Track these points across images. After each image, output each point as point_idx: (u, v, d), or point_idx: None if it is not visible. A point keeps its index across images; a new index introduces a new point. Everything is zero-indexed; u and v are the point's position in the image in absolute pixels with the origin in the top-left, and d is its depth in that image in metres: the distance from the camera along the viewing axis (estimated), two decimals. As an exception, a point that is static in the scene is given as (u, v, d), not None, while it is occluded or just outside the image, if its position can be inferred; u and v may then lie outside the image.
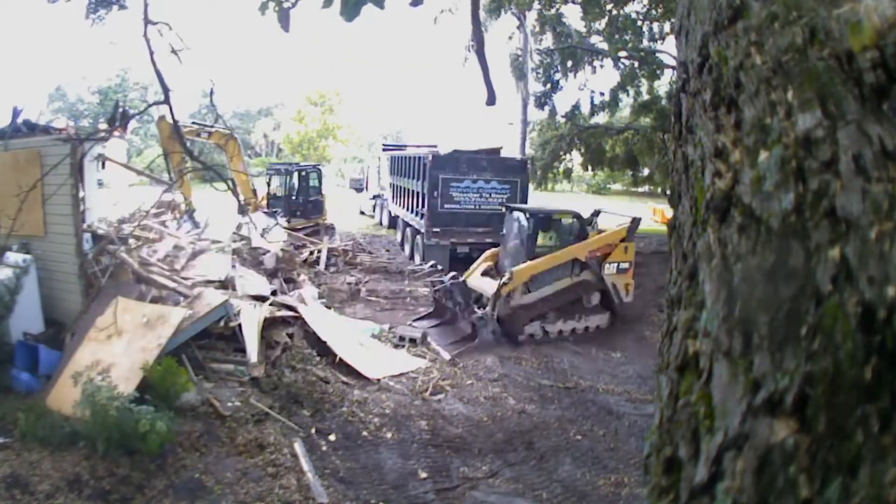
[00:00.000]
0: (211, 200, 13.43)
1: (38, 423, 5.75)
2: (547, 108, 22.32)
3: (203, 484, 5.56)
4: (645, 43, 20.24)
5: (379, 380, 8.12)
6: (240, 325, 7.61)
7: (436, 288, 11.70)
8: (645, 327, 11.37)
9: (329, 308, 10.66)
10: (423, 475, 6.12)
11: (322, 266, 15.22)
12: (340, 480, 5.93)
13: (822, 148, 0.61)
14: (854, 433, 0.51)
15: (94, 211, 8.59)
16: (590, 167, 28.98)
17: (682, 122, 0.94)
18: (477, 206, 15.49)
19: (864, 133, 0.59)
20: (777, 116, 0.67)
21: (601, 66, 21.70)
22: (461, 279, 11.01)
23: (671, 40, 18.49)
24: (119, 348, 6.59)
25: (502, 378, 8.70)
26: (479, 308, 10.31)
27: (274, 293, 9.36)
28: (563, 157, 24.99)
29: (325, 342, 8.40)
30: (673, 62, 17.13)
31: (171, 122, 7.44)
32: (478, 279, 10.96)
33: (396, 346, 9.52)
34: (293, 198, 19.08)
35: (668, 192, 1.09)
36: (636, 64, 21.20)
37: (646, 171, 27.91)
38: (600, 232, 11.27)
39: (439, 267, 14.56)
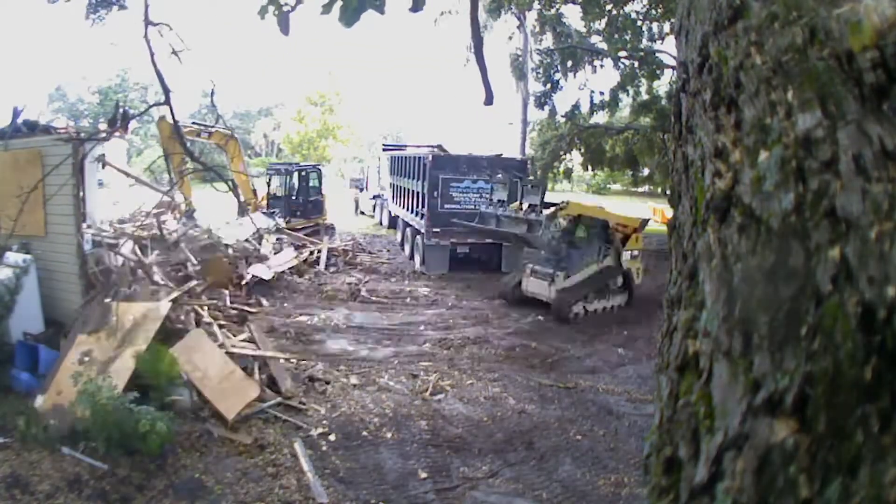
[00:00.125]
0: (211, 200, 13.44)
1: (37, 426, 5.75)
2: (547, 108, 22.34)
3: (203, 484, 5.57)
4: (645, 43, 20.26)
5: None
6: None
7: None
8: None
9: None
10: (423, 475, 6.12)
11: (322, 266, 15.22)
12: (340, 480, 5.93)
13: (822, 148, 0.61)
14: (854, 433, 0.51)
15: (95, 211, 8.59)
16: (590, 167, 29.00)
17: (682, 122, 0.94)
18: (477, 207, 15.48)
19: (864, 133, 0.59)
20: (777, 116, 0.67)
21: (601, 66, 21.71)
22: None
23: (671, 40, 18.50)
24: (111, 346, 6.63)
25: (502, 378, 8.70)
26: None
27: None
28: (563, 157, 25.00)
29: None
30: (673, 62, 17.12)
31: (172, 122, 7.44)
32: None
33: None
34: (293, 198, 19.08)
35: (668, 192, 1.09)
36: (636, 64, 21.21)
37: (646, 171, 27.93)
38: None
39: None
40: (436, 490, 5.89)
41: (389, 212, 21.62)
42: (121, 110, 9.69)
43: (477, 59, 4.53)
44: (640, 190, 39.69)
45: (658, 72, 20.94)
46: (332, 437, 6.69)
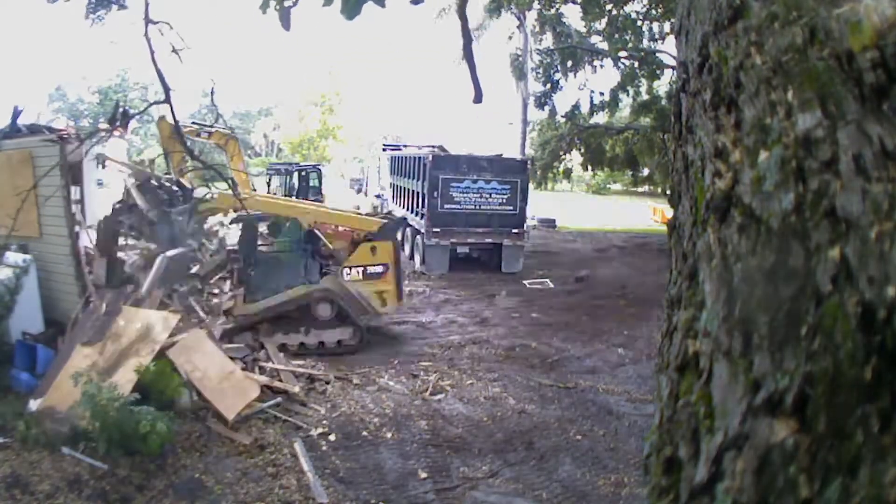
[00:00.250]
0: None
1: (37, 427, 5.75)
2: (547, 108, 22.34)
3: (203, 484, 5.57)
4: (645, 43, 20.26)
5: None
6: None
7: None
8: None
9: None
10: (423, 475, 6.12)
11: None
12: (340, 480, 5.93)
13: (822, 148, 0.61)
14: (854, 433, 0.51)
15: (94, 211, 8.58)
16: (590, 167, 29.01)
17: (682, 122, 0.94)
18: (477, 207, 15.49)
19: (864, 133, 0.58)
20: (777, 116, 0.67)
21: (601, 66, 21.72)
22: None
23: (671, 40, 18.50)
24: (113, 356, 6.58)
25: (502, 378, 8.70)
26: None
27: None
28: (563, 157, 25.01)
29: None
30: (673, 62, 17.12)
31: (172, 121, 7.44)
32: None
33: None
34: (293, 198, 19.09)
35: (668, 192, 1.09)
36: (636, 64, 21.21)
37: (646, 171, 27.94)
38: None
39: None
40: (436, 490, 5.89)
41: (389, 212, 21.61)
42: (120, 110, 9.68)
43: (466, 57, 4.54)
44: (640, 190, 39.69)
45: (658, 72, 20.94)
46: (332, 437, 6.69)
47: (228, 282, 9.46)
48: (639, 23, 19.23)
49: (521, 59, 23.15)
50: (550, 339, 10.71)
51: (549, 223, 25.90)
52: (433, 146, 20.74)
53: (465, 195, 15.41)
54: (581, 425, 7.39)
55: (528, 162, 18.14)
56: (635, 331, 11.40)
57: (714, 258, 0.72)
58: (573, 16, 21.45)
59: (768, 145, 0.67)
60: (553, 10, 20.45)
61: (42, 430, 5.75)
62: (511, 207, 15.70)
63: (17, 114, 9.03)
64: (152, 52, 5.60)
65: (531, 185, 19.22)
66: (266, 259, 9.66)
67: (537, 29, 21.88)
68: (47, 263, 8.08)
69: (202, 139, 16.70)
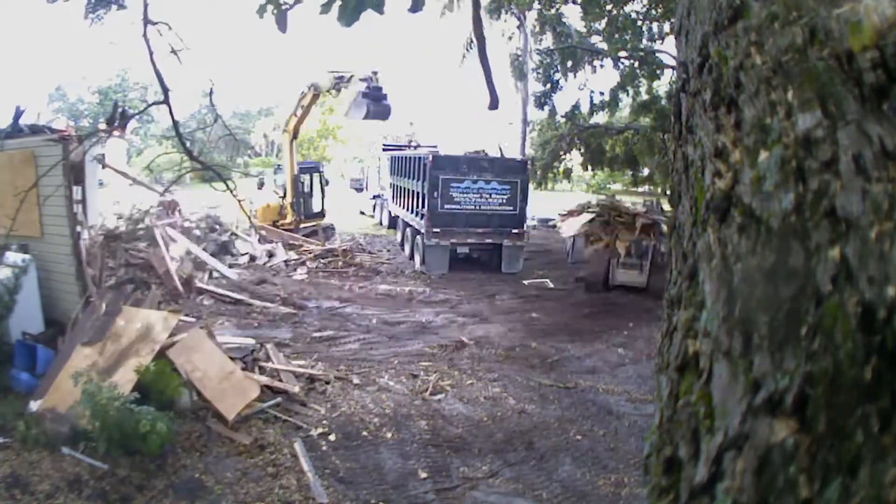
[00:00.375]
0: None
1: (37, 427, 5.75)
2: (547, 108, 22.30)
3: (203, 484, 5.57)
4: (645, 43, 20.23)
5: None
6: None
7: None
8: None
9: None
10: (423, 475, 6.12)
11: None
12: (340, 480, 5.93)
13: (822, 148, 0.61)
14: (854, 433, 0.51)
15: (95, 211, 8.59)
16: (590, 167, 28.98)
17: (682, 122, 0.94)
18: (477, 207, 15.49)
19: (864, 133, 0.58)
20: (777, 116, 0.67)
21: (601, 66, 21.67)
22: None
23: (671, 40, 18.48)
24: (113, 356, 6.58)
25: (502, 378, 8.70)
26: None
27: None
28: (563, 156, 24.99)
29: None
30: (673, 62, 17.12)
31: (172, 121, 7.43)
32: None
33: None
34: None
35: (668, 192, 1.09)
36: (636, 64, 21.19)
37: (646, 171, 27.92)
38: None
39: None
40: (436, 490, 5.89)
41: (389, 212, 21.62)
42: (120, 110, 9.68)
43: (481, 60, 4.46)
44: (639, 190, 39.66)
45: (658, 72, 20.90)
46: (332, 437, 6.69)
47: None
48: (639, 23, 19.20)
49: (521, 59, 23.14)
50: (550, 339, 10.71)
51: (550, 223, 25.90)
52: (432, 146, 20.75)
53: (465, 195, 15.40)
54: (581, 425, 7.39)
55: (529, 162, 18.14)
56: (635, 331, 11.40)
57: (714, 258, 0.72)
58: (573, 16, 21.44)
59: (768, 145, 0.67)
60: (553, 11, 20.43)
61: (42, 430, 5.75)
62: (511, 208, 15.70)
63: (18, 114, 9.03)
64: (151, 53, 5.60)
65: (531, 185, 19.21)
66: None
67: (537, 29, 21.86)
68: (48, 263, 8.08)
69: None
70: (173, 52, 5.80)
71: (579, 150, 25.30)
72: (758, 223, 0.66)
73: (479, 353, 9.76)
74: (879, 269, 0.53)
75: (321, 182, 19.83)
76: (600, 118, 24.68)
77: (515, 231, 15.85)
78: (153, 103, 7.90)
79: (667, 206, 12.88)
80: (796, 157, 0.63)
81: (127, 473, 5.45)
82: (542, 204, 25.19)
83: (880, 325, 0.52)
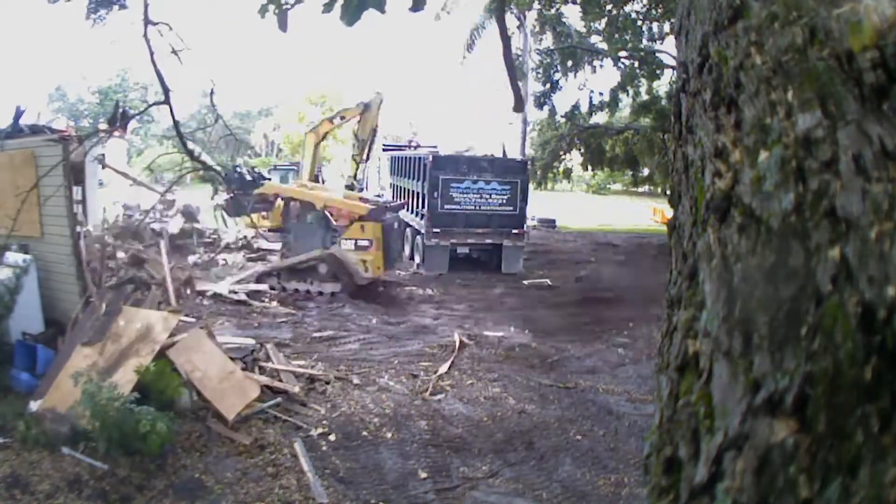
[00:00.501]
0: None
1: (37, 427, 5.76)
2: (547, 108, 22.31)
3: (203, 484, 5.57)
4: (645, 43, 20.23)
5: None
6: None
7: None
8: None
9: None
10: (423, 475, 6.12)
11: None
12: (340, 480, 5.93)
13: (822, 148, 0.61)
14: (854, 433, 0.51)
15: (95, 211, 8.59)
16: (590, 167, 29.00)
17: (682, 122, 0.94)
18: (477, 207, 15.49)
19: (864, 133, 0.58)
20: (777, 116, 0.67)
21: (601, 66, 21.69)
22: None
23: (671, 40, 18.49)
24: (113, 356, 6.58)
25: (502, 378, 8.70)
26: None
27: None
28: (563, 157, 25.00)
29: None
30: (673, 62, 17.13)
31: (172, 121, 7.45)
32: None
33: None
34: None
35: (668, 192, 1.09)
36: (636, 64, 21.20)
37: (646, 171, 27.94)
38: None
39: None
40: (436, 490, 5.89)
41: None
42: (120, 110, 9.69)
43: (505, 63, 4.40)
44: (640, 190, 39.67)
45: (658, 72, 20.91)
46: (332, 437, 6.69)
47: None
48: (639, 23, 19.20)
49: (521, 59, 23.13)
50: (550, 339, 10.71)
51: (549, 223, 25.92)
52: (431, 146, 20.75)
53: (465, 195, 15.41)
54: (581, 425, 7.39)
55: (529, 162, 18.15)
56: (635, 331, 11.41)
57: (714, 258, 0.72)
58: (573, 16, 21.44)
59: (768, 145, 0.67)
60: (553, 10, 20.42)
61: (42, 430, 5.75)
62: (511, 208, 15.71)
63: (19, 114, 9.04)
64: (151, 53, 5.61)
65: (531, 185, 19.22)
66: (300, 230, 13.24)
67: (537, 29, 21.87)
68: (48, 263, 8.08)
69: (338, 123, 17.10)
70: (174, 52, 5.81)
71: (579, 150, 25.32)
72: (758, 223, 0.66)
73: (479, 353, 9.76)
74: (879, 269, 0.53)
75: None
76: (600, 118, 24.70)
77: (515, 231, 15.86)
78: (154, 103, 7.91)
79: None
80: (796, 157, 0.63)
81: (127, 473, 5.45)
82: (543, 204, 25.22)
83: (880, 325, 0.52)
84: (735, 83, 0.76)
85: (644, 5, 18.77)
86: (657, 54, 20.79)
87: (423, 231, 15.54)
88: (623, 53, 20.52)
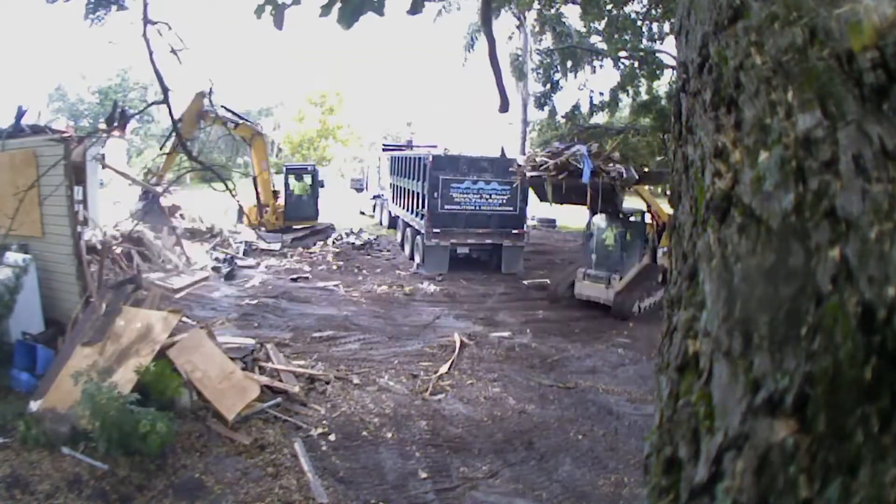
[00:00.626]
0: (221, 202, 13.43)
1: (37, 427, 5.75)
2: (547, 108, 22.29)
3: (203, 484, 5.57)
4: (645, 43, 20.22)
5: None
6: None
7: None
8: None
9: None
10: (423, 475, 6.12)
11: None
12: (340, 480, 5.93)
13: (822, 148, 0.61)
14: (854, 433, 0.51)
15: (96, 211, 8.59)
16: (590, 167, 28.93)
17: (682, 122, 0.94)
18: (477, 207, 15.48)
19: (864, 133, 0.58)
20: (777, 116, 0.67)
21: (601, 66, 21.68)
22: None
23: (671, 40, 18.48)
24: (113, 356, 6.58)
25: (502, 378, 8.70)
26: None
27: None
28: (563, 157, 24.95)
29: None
30: (673, 62, 17.12)
31: (171, 121, 7.45)
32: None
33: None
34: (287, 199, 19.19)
35: (668, 192, 1.09)
36: (636, 64, 21.18)
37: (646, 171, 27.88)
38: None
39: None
40: (436, 490, 5.89)
41: (389, 212, 21.62)
42: (119, 110, 9.69)
43: (491, 63, 4.41)
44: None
45: (658, 72, 20.87)
46: (332, 437, 6.69)
47: None
48: (639, 23, 19.19)
49: (521, 59, 23.16)
50: (550, 339, 10.71)
51: (550, 223, 25.91)
52: (431, 146, 20.74)
53: (465, 196, 15.40)
54: (581, 425, 7.39)
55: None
56: (635, 331, 11.40)
57: (714, 258, 0.72)
58: (573, 16, 21.43)
59: (768, 145, 0.67)
60: (553, 11, 20.42)
61: (42, 430, 5.74)
62: (511, 208, 15.70)
63: (20, 114, 9.04)
64: (151, 53, 5.61)
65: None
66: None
67: (537, 29, 21.86)
68: (49, 263, 8.08)
69: (229, 129, 16.49)
70: (173, 51, 5.80)
71: (579, 150, 25.28)
72: (758, 223, 0.65)
73: (479, 353, 9.76)
74: (879, 269, 0.53)
75: (314, 183, 19.86)
76: (600, 118, 24.66)
77: (515, 231, 15.85)
78: (153, 103, 7.91)
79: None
80: (796, 157, 0.63)
81: (127, 473, 5.45)
82: (542, 204, 25.16)
83: (880, 325, 0.52)
84: (735, 83, 0.76)
85: (644, 5, 18.76)
86: (657, 54, 20.77)
87: (423, 231, 15.53)
88: (623, 53, 20.50)
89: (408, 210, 17.48)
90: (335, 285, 13.87)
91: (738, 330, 0.63)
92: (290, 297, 12.57)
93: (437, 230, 15.23)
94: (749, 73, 0.73)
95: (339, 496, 5.66)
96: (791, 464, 0.54)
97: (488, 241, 15.77)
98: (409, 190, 17.27)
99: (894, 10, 0.60)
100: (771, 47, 0.71)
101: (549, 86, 21.59)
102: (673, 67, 17.65)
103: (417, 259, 16.21)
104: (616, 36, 19.12)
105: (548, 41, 21.91)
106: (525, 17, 21.84)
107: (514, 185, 14.87)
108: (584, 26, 20.60)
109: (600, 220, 13.19)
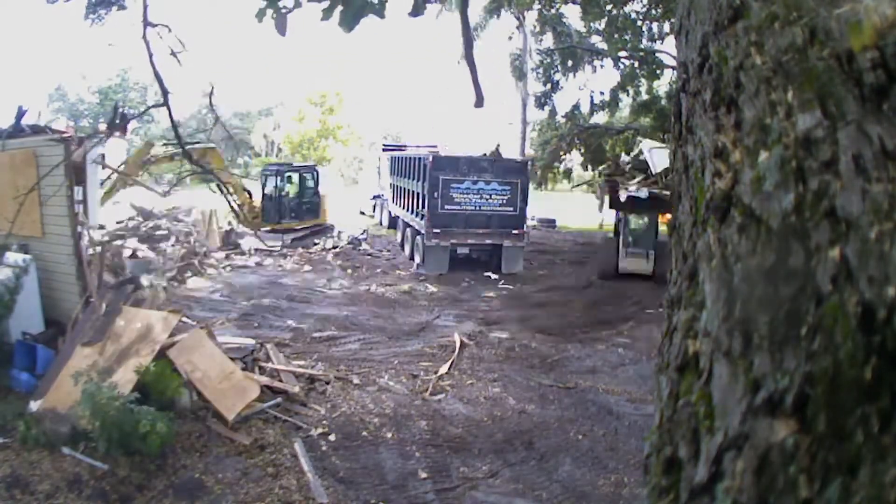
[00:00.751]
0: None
1: (37, 427, 5.76)
2: (547, 108, 22.33)
3: (203, 484, 5.57)
4: (645, 43, 20.24)
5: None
6: None
7: None
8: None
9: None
10: (423, 475, 6.12)
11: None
12: (340, 480, 5.93)
13: (822, 148, 0.61)
14: (854, 433, 0.51)
15: (96, 211, 8.59)
16: (590, 167, 28.95)
17: (682, 122, 0.94)
18: (477, 208, 15.48)
19: (864, 133, 0.58)
20: (777, 116, 0.67)
21: (601, 66, 21.71)
22: None
23: (671, 40, 18.48)
24: (113, 356, 6.58)
25: (502, 378, 8.70)
26: None
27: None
28: (563, 157, 25.01)
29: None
30: (673, 62, 17.12)
31: (171, 122, 7.45)
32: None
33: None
34: (285, 199, 19.16)
35: (668, 192, 1.09)
36: (636, 64, 21.20)
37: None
38: None
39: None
40: (436, 490, 5.89)
41: (389, 212, 21.62)
42: (119, 111, 9.69)
43: (467, 60, 4.52)
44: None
45: (658, 72, 20.91)
46: (332, 437, 6.69)
47: None
48: (639, 23, 19.21)
49: (521, 59, 23.17)
50: (550, 339, 10.70)
51: (550, 223, 25.92)
52: (431, 146, 20.73)
53: (465, 196, 15.39)
54: (581, 425, 7.39)
55: (529, 162, 18.14)
56: (635, 331, 11.40)
57: (714, 258, 0.72)
58: (573, 16, 21.45)
59: (768, 145, 0.67)
60: (553, 10, 20.44)
61: (42, 430, 5.75)
62: (511, 208, 15.70)
63: (21, 114, 9.04)
64: (151, 55, 5.60)
65: (531, 186, 19.21)
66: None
67: (537, 29, 21.88)
68: (49, 263, 8.08)
69: (182, 161, 16.55)
70: (173, 54, 5.80)
71: (579, 150, 25.32)
72: (758, 223, 0.65)
73: (479, 353, 9.76)
74: (879, 269, 0.53)
75: (313, 183, 19.84)
76: (600, 118, 24.70)
77: (515, 231, 15.85)
78: (152, 105, 7.91)
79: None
80: (796, 157, 0.63)
81: (127, 473, 5.45)
82: (542, 204, 25.21)
83: (880, 325, 0.52)
84: (735, 83, 0.76)
85: (644, 5, 18.79)
86: (657, 54, 20.79)
87: (423, 231, 15.53)
88: (623, 53, 20.53)
89: (408, 210, 17.47)
90: (335, 285, 13.87)
91: (738, 330, 0.63)
92: (290, 297, 12.58)
93: (437, 230, 15.22)
94: (749, 73, 0.73)
95: (339, 496, 5.66)
96: (791, 464, 0.54)
97: (488, 241, 15.77)
98: (409, 190, 17.28)
99: (894, 10, 0.60)
100: (771, 47, 0.71)
101: (549, 86, 21.62)
102: (673, 67, 17.65)
103: (417, 259, 16.21)
104: (616, 36, 19.14)
105: (548, 41, 21.93)
106: (525, 17, 21.84)
107: (601, 203, 15.61)
108: (585, 26, 20.63)
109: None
